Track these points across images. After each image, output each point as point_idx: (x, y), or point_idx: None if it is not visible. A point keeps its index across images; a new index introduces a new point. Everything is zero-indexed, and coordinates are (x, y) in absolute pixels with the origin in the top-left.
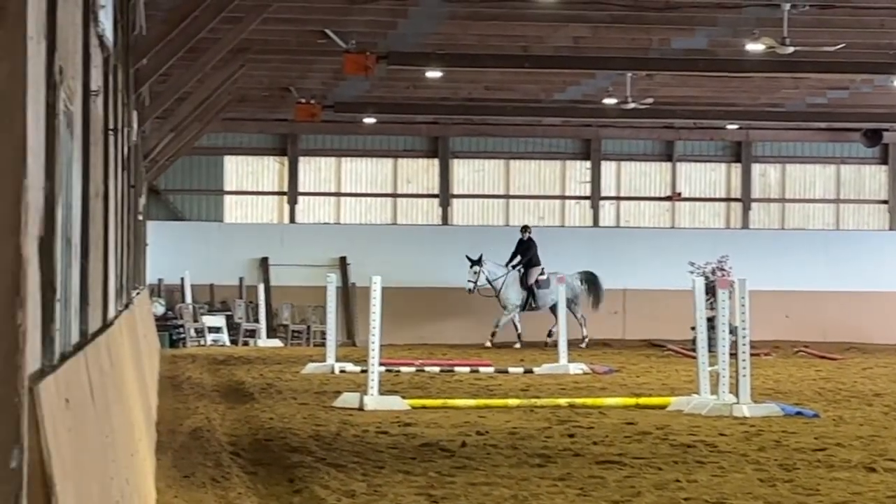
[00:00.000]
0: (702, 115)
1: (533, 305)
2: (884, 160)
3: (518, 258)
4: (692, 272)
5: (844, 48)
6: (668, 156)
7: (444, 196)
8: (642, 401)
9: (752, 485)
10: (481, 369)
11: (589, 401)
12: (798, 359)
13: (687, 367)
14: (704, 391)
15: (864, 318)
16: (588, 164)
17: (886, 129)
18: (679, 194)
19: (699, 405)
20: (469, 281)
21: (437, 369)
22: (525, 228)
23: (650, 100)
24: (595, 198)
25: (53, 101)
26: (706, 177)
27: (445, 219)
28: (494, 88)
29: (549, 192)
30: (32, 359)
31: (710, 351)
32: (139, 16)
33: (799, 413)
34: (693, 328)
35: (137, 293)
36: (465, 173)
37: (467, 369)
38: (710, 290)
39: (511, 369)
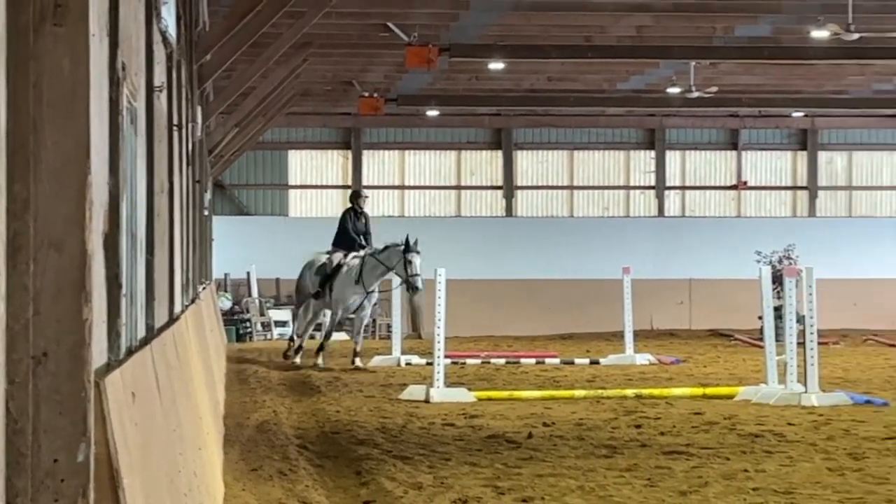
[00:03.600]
0: (767, 104)
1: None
2: None
3: (367, 235)
4: (759, 261)
5: None
6: (733, 144)
7: (508, 188)
8: (709, 391)
9: (821, 474)
10: (547, 360)
11: (656, 391)
12: (867, 347)
13: (754, 356)
14: (772, 381)
15: None
16: (652, 153)
17: None
18: (745, 183)
19: (767, 395)
20: (418, 276)
21: (502, 361)
22: (359, 196)
23: (714, 88)
24: (660, 188)
25: (116, 98)
26: (772, 165)
27: (509, 210)
28: (557, 79)
29: (614, 182)
30: (99, 353)
31: (777, 340)
32: (202, 12)
33: (868, 402)
34: (760, 317)
35: (204, 288)
36: (529, 164)
37: (533, 361)
38: (777, 279)
39: (577, 360)
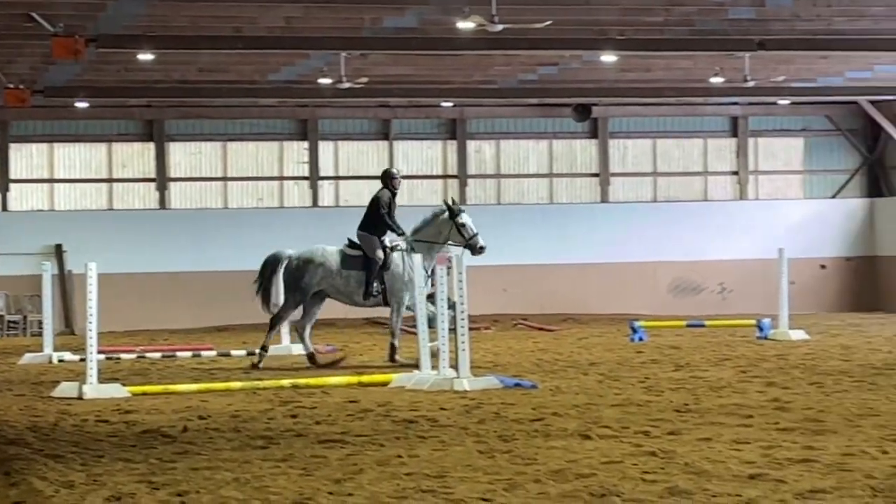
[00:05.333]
0: (417, 94)
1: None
2: (593, 134)
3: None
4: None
5: (552, 25)
6: (384, 135)
7: (161, 180)
8: (365, 379)
9: (472, 457)
10: (203, 353)
11: (312, 381)
12: (517, 331)
13: (408, 343)
14: (425, 367)
15: (580, 290)
16: (306, 144)
17: (595, 104)
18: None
19: (420, 381)
20: (477, 234)
21: (158, 355)
22: (394, 176)
23: (365, 79)
24: (314, 178)
25: None
26: (423, 154)
27: (163, 203)
28: (208, 70)
29: (268, 173)
30: None
31: (430, 327)
32: None
33: (517, 385)
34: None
35: None
36: (182, 156)
37: (189, 354)
38: None
39: (234, 352)
